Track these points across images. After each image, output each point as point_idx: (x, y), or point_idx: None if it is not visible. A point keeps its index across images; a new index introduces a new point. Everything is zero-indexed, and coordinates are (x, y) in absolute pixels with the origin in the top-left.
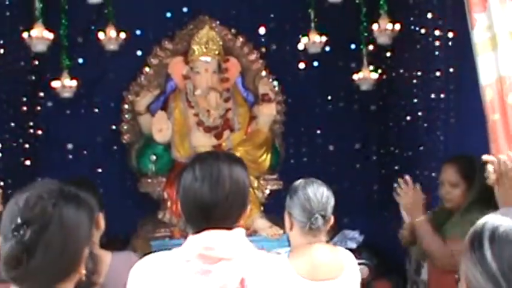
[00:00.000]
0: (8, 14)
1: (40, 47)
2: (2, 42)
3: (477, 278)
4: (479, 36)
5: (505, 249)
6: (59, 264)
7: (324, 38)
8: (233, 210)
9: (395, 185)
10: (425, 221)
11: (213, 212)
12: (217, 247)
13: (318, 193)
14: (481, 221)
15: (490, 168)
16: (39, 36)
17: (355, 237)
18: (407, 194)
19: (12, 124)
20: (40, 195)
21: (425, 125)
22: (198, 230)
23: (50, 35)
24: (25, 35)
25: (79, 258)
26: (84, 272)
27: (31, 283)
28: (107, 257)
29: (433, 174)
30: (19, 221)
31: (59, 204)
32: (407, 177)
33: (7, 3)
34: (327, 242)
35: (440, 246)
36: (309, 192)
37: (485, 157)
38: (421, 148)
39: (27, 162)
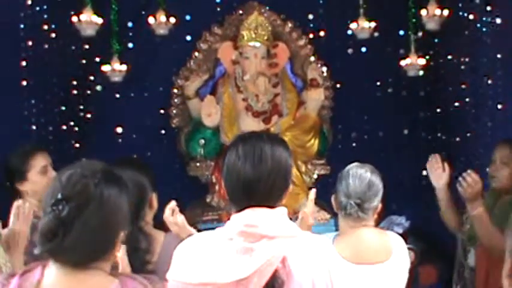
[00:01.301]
0: None
1: (89, 32)
2: (53, 26)
3: None
4: None
5: None
6: (94, 244)
7: (372, 24)
8: (275, 188)
9: (459, 178)
10: (484, 213)
11: (255, 189)
12: (259, 225)
13: (358, 180)
14: None
15: None
16: (88, 20)
17: (401, 222)
18: (472, 187)
19: (63, 107)
20: (83, 174)
21: (473, 111)
22: (240, 209)
23: (99, 20)
24: (74, 19)
25: (114, 241)
26: (119, 254)
27: (65, 258)
28: (160, 237)
29: (480, 161)
30: (59, 196)
31: (101, 185)
32: (469, 171)
33: None
34: (375, 226)
35: (497, 237)
36: (351, 178)
37: None
38: (469, 134)
39: (77, 145)
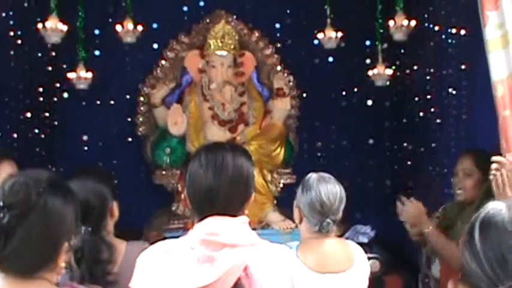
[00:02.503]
0: (26, 5)
1: (54, 39)
2: (19, 33)
3: (468, 263)
4: (491, 34)
5: (491, 235)
6: (37, 253)
7: (339, 34)
8: (236, 196)
9: (397, 203)
10: (434, 230)
11: (217, 197)
12: (221, 233)
13: (331, 195)
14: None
15: (493, 166)
16: (54, 27)
17: (367, 232)
18: (408, 211)
19: (29, 114)
20: (26, 182)
21: (438, 121)
22: (202, 217)
23: (64, 27)
24: (40, 26)
25: (58, 250)
26: (63, 265)
27: (7, 267)
28: (121, 246)
29: (446, 170)
30: (1, 204)
31: (44, 194)
32: (402, 197)
33: None
34: (339, 236)
35: (455, 250)
36: (322, 193)
37: (495, 158)
38: (434, 144)
39: (43, 153)
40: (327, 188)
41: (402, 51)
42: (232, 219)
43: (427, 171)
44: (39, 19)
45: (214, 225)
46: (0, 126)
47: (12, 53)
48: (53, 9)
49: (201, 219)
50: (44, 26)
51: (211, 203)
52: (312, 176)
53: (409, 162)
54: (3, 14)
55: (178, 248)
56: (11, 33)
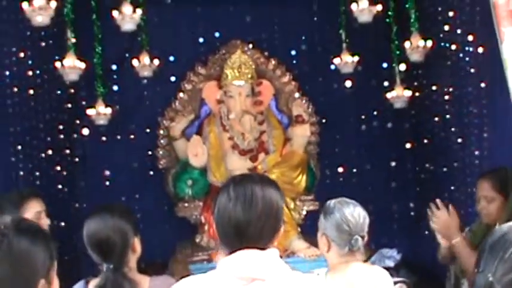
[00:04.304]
0: (43, 44)
1: (72, 76)
2: (38, 72)
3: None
4: (508, 50)
5: (501, 251)
6: None
7: (356, 58)
8: (266, 230)
9: (428, 209)
10: (463, 241)
11: (246, 231)
12: (250, 267)
13: (355, 214)
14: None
15: None
16: (71, 65)
17: (393, 255)
18: (440, 219)
19: (50, 152)
20: None
21: (460, 140)
22: (232, 251)
23: (82, 65)
24: (58, 64)
25: None
26: None
27: None
28: (144, 282)
29: (469, 189)
30: None
31: (9, 235)
32: (438, 201)
33: (43, 33)
34: (365, 261)
35: None
36: (346, 213)
37: None
38: (456, 164)
39: (65, 190)
40: (350, 208)
41: (420, 72)
42: (263, 252)
43: (450, 191)
44: (56, 57)
45: (245, 260)
46: (22, 165)
47: (31, 92)
48: (70, 47)
49: (231, 253)
50: (62, 65)
51: (241, 238)
52: (332, 201)
53: (432, 184)
54: (22, 55)
55: (208, 283)
56: (30, 73)
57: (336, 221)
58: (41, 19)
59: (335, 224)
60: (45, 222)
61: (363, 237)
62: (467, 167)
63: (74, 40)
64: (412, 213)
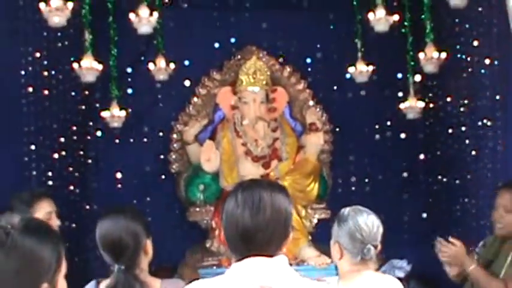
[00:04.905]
0: (59, 45)
1: (89, 78)
2: (53, 72)
3: None
4: None
5: None
6: None
7: (370, 68)
8: (274, 237)
9: (436, 242)
10: (478, 268)
11: (254, 238)
12: (258, 274)
13: (369, 222)
14: None
15: None
16: (89, 66)
17: (403, 266)
18: (447, 252)
19: (63, 153)
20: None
21: (473, 153)
22: (240, 258)
23: (99, 66)
24: (75, 65)
25: None
26: None
27: None
28: (155, 284)
29: (481, 202)
30: None
31: (15, 234)
32: (441, 240)
33: (59, 34)
34: (376, 270)
35: (500, 286)
36: (360, 221)
37: None
38: (469, 176)
39: (77, 191)
40: (363, 216)
41: (434, 83)
42: (271, 259)
43: (462, 203)
44: (72, 58)
45: (253, 267)
46: (35, 165)
47: (46, 92)
48: (87, 48)
49: (240, 259)
50: (79, 65)
51: (249, 244)
52: (346, 209)
53: (444, 195)
54: (37, 55)
55: None
56: (45, 73)
57: (349, 229)
58: (57, 20)
59: (348, 232)
60: (55, 223)
61: (375, 246)
62: (480, 179)
63: (90, 41)
64: (424, 225)
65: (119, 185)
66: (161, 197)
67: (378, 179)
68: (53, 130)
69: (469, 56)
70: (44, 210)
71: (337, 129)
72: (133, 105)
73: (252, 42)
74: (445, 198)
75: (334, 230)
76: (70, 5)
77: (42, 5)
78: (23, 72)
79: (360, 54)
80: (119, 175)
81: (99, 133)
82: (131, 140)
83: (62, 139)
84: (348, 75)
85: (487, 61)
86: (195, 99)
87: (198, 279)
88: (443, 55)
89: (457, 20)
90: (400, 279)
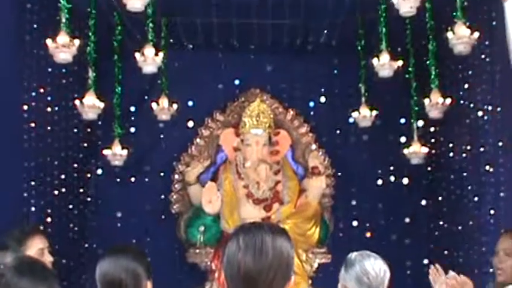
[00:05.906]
0: (64, 81)
1: (91, 115)
2: (56, 108)
3: None
4: None
5: None
6: None
7: (374, 112)
8: (276, 281)
9: (430, 270)
10: None
11: (256, 282)
12: None
13: (376, 267)
14: None
15: None
16: (90, 104)
17: None
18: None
19: (63, 190)
20: None
21: (476, 199)
22: None
23: (101, 104)
24: (77, 102)
25: None
26: None
27: None
28: None
29: (484, 248)
30: None
31: (8, 275)
32: (437, 265)
33: (64, 71)
34: None
35: None
36: (367, 266)
37: None
38: (471, 222)
39: (76, 229)
40: (371, 261)
41: (437, 128)
42: None
43: (464, 249)
44: (76, 95)
45: None
46: (34, 201)
47: (48, 128)
48: (90, 85)
49: None
50: (81, 103)
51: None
52: (354, 254)
53: (446, 241)
54: (41, 90)
55: None
56: (48, 109)
57: (356, 273)
58: (64, 56)
59: (355, 276)
60: (48, 259)
61: None
62: (483, 226)
63: (94, 79)
64: (425, 271)
65: (119, 224)
66: (161, 237)
67: (379, 224)
68: (54, 167)
69: (472, 102)
70: (36, 247)
71: (339, 174)
72: (136, 144)
73: (256, 85)
74: (446, 245)
75: (341, 274)
76: (77, 42)
77: (49, 41)
78: (25, 107)
79: (363, 99)
80: (118, 214)
81: (99, 171)
82: (132, 179)
83: (63, 176)
84: (351, 120)
85: (490, 108)
86: (198, 140)
87: None
88: (448, 101)
89: (460, 67)
90: None
